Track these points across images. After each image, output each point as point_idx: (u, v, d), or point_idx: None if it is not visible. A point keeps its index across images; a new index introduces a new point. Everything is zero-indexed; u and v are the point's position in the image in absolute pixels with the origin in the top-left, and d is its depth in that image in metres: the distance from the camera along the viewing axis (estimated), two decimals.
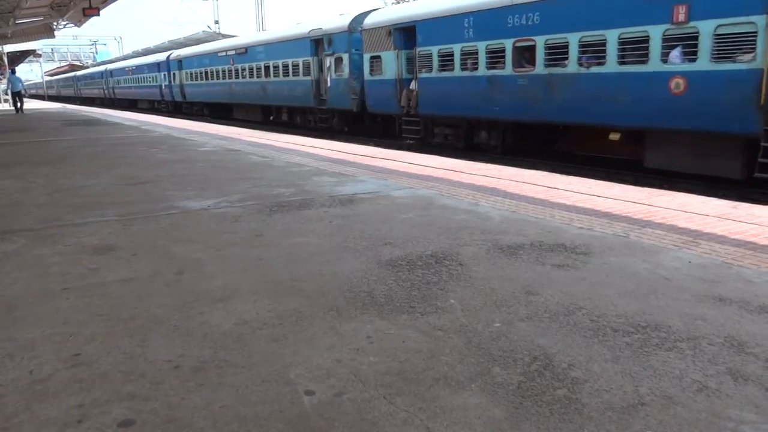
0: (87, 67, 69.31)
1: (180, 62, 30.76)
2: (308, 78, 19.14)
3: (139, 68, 38.12)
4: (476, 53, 12.41)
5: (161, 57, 34.03)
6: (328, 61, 17.80)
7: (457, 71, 13.05)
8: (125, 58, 50.13)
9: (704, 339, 2.56)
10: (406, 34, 14.71)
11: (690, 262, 3.63)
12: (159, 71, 33.89)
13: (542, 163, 11.46)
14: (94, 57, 79.00)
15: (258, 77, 22.57)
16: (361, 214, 5.09)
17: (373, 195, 6.02)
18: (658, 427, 1.93)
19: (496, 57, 11.99)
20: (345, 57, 17.17)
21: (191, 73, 29.80)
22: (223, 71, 25.70)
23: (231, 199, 5.94)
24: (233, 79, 24.90)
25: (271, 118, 23.89)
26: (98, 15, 23.95)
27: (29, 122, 21.32)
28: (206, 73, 27.74)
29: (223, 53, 25.67)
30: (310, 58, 18.98)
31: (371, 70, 15.98)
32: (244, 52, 23.60)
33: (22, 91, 30.28)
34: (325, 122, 19.23)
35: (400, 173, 7.48)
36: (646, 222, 4.63)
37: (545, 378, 2.25)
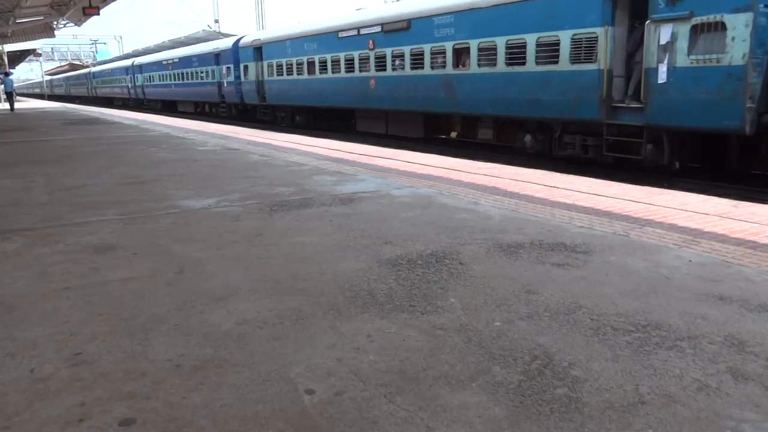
0: (87, 66, 69.10)
1: (259, 50, 22.62)
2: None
3: (184, 61, 30.84)
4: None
5: (221, 45, 26.58)
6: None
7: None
8: (151, 51, 44.14)
9: (704, 338, 2.56)
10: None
11: (690, 260, 3.63)
12: (218, 64, 26.21)
13: (543, 162, 11.46)
14: (94, 56, 78.95)
15: (437, 68, 13.93)
16: (361, 213, 5.09)
17: (374, 194, 6.02)
18: (658, 425, 1.93)
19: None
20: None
21: (280, 66, 21.26)
22: (354, 60, 16.96)
23: (231, 198, 5.94)
24: (376, 72, 16.03)
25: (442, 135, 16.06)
26: (98, 14, 23.94)
27: (29, 121, 21.33)
28: (316, 64, 18.92)
29: (353, 31, 16.89)
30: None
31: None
32: (405, 27, 14.69)
33: (14, 92, 32.98)
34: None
35: (400, 172, 7.48)
36: (646, 221, 4.63)
37: (545, 377, 2.25)
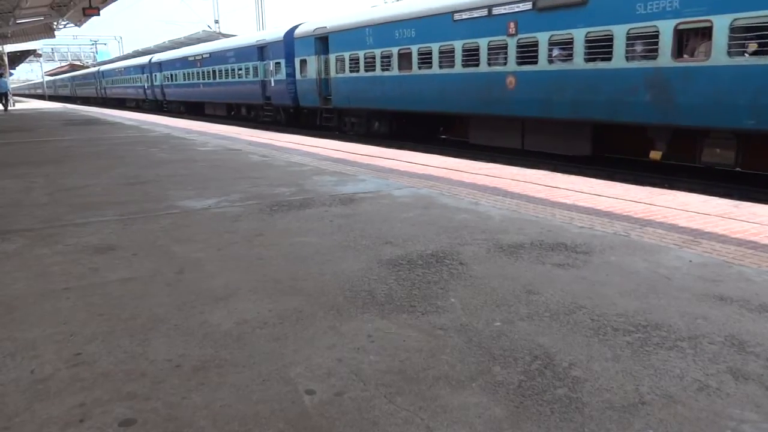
0: (87, 67, 68.44)
1: (323, 41, 18.18)
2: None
3: (217, 56, 25.61)
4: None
5: (267, 36, 21.64)
6: None
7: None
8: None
9: (705, 338, 2.56)
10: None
11: (691, 261, 3.63)
12: (263, 59, 21.58)
13: (544, 162, 11.46)
14: (94, 57, 79.02)
15: (636, 59, 9.93)
16: (361, 214, 5.09)
17: (374, 194, 6.02)
18: (658, 426, 1.93)
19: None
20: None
21: (355, 60, 16.83)
22: (480, 50, 12.80)
23: (231, 198, 5.94)
24: (519, 66, 12.00)
25: None
26: (98, 15, 23.93)
27: (29, 122, 21.34)
28: (413, 56, 14.66)
29: (480, 11, 12.69)
30: None
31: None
32: (579, 1, 10.64)
33: (8, 92, 33.73)
34: None
35: (400, 172, 7.48)
36: (647, 221, 4.63)
37: (546, 377, 2.25)
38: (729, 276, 3.35)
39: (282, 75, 20.83)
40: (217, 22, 45.96)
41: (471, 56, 13.00)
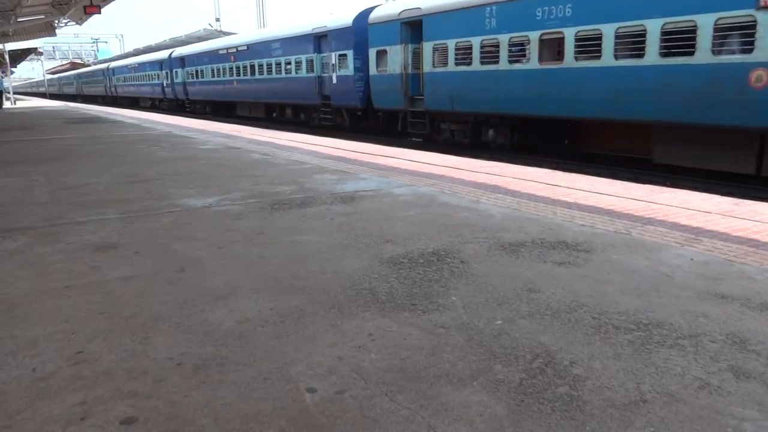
0: (87, 65, 67.78)
1: (416, 26, 14.55)
2: None
3: (258, 48, 22.49)
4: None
5: (329, 23, 18.10)
6: None
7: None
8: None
9: (706, 336, 2.56)
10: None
11: (692, 259, 3.63)
12: (320, 51, 18.45)
13: (545, 160, 11.46)
14: (95, 55, 79.07)
15: None
16: (362, 212, 5.09)
17: (375, 192, 6.02)
18: (659, 424, 1.93)
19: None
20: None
21: (464, 48, 13.10)
22: (698, 30, 8.68)
23: (232, 196, 5.94)
24: None
25: None
26: (99, 13, 23.91)
27: (30, 120, 21.35)
28: (567, 42, 10.76)
29: None
30: None
31: None
32: None
33: (3, 91, 34.85)
34: None
35: (401, 171, 7.48)
36: (648, 219, 4.63)
37: (547, 375, 2.25)
38: (730, 274, 3.35)
39: (348, 69, 16.90)
40: (218, 20, 45.96)
41: (678, 41, 8.92)
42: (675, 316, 2.78)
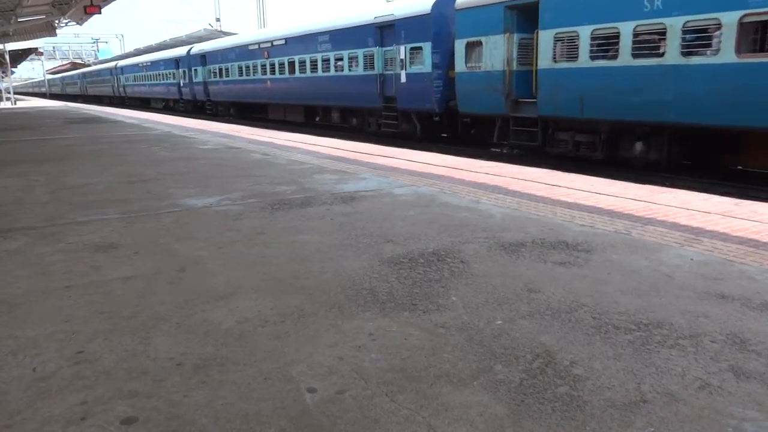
0: (88, 65, 67.41)
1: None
2: None
3: (308, 39, 18.73)
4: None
5: (408, 7, 14.64)
6: None
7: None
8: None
9: (706, 336, 2.56)
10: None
11: (692, 259, 3.63)
12: (395, 43, 14.71)
13: (544, 161, 11.44)
14: (95, 55, 79.09)
15: None
16: (362, 212, 5.09)
17: (375, 192, 6.02)
18: (660, 424, 1.93)
19: None
20: None
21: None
22: None
23: (233, 196, 5.94)
24: None
25: None
26: (100, 13, 23.87)
27: (30, 120, 21.35)
28: None
29: None
30: None
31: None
32: None
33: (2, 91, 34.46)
34: None
35: (401, 171, 7.48)
36: (647, 219, 4.63)
37: (547, 375, 2.25)
38: (730, 274, 3.35)
39: (424, 65, 14.00)
40: (218, 20, 45.94)
41: None
42: (675, 316, 2.78)
